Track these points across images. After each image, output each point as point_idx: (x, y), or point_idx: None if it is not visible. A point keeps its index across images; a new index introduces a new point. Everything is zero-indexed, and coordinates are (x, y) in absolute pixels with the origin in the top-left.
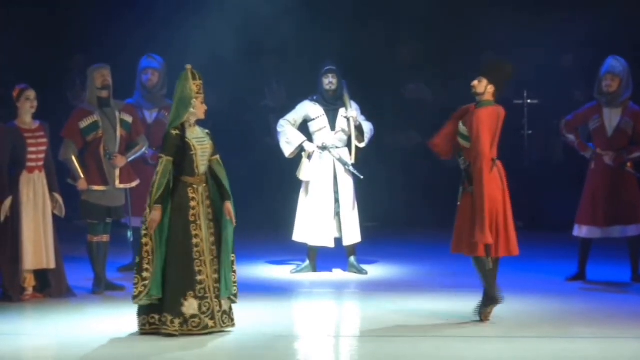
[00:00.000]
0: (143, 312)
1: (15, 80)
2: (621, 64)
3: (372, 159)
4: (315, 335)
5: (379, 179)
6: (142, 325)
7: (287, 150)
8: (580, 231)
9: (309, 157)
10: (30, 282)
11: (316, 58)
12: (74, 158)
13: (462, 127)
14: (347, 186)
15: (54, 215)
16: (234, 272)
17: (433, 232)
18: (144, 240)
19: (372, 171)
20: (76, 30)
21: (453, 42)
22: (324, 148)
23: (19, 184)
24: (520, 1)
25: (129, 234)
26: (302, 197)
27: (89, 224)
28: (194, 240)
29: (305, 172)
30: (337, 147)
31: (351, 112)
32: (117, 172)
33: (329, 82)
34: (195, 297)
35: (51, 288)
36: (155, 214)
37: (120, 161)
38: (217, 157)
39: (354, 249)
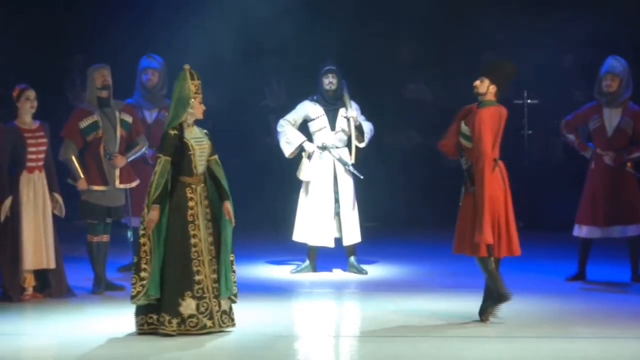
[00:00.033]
0: (141, 312)
1: (15, 80)
2: (621, 64)
3: (372, 159)
4: (315, 335)
5: (379, 179)
6: (140, 325)
7: (287, 150)
8: (580, 231)
9: (309, 157)
10: (30, 282)
11: (316, 58)
12: (74, 158)
13: (464, 127)
14: (347, 186)
15: (54, 215)
16: (234, 271)
17: (433, 232)
18: (142, 240)
19: (372, 171)
20: (76, 30)
21: (453, 42)
22: (324, 148)
23: (19, 184)
24: (520, 1)
25: (129, 234)
26: (302, 197)
27: (89, 224)
28: (192, 240)
29: (305, 172)
30: (337, 147)
31: (351, 112)
32: (117, 172)
33: (329, 82)
34: (193, 297)
35: (51, 288)
36: (153, 214)
37: (120, 161)
38: (216, 157)
39: (354, 249)
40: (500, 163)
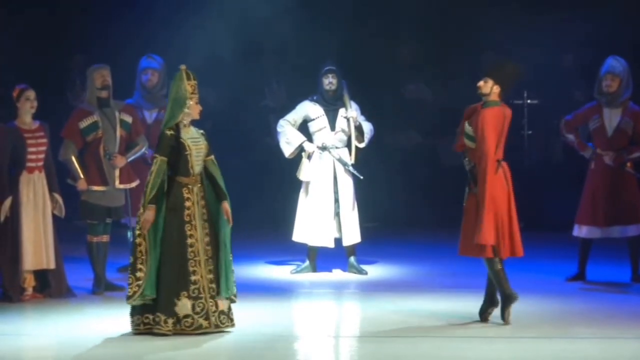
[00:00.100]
0: (137, 312)
1: (15, 80)
2: (621, 64)
3: (372, 159)
4: (315, 336)
5: (379, 179)
6: (136, 325)
7: (287, 150)
8: (580, 231)
9: (309, 157)
10: (30, 282)
11: (316, 58)
12: (73, 158)
13: (467, 128)
14: (347, 186)
15: (54, 216)
16: (232, 271)
17: (433, 232)
18: (138, 240)
19: (372, 171)
20: (76, 30)
21: (453, 42)
22: (323, 148)
23: (18, 184)
24: (520, 1)
25: (129, 234)
26: (302, 197)
27: (89, 224)
28: (189, 241)
29: (305, 172)
30: (337, 147)
31: (351, 112)
32: (117, 172)
33: (329, 82)
34: (189, 297)
35: (51, 288)
36: (148, 214)
37: (120, 161)
38: (212, 157)
39: (353, 249)
40: (504, 164)
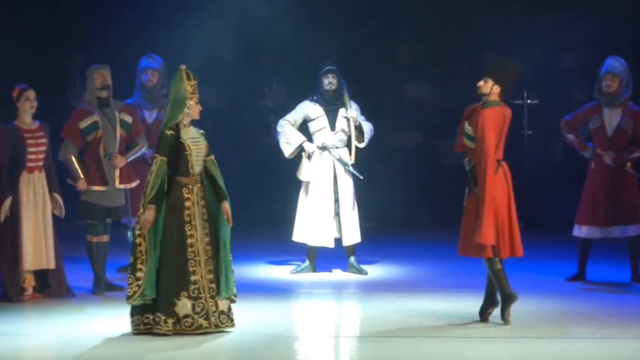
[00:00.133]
0: (137, 312)
1: (15, 80)
2: (621, 64)
3: (372, 159)
4: (315, 336)
5: (379, 179)
6: (136, 325)
7: (287, 150)
8: (580, 231)
9: (309, 157)
10: (30, 282)
11: (316, 58)
12: (73, 158)
13: (467, 128)
14: (347, 186)
15: (54, 216)
16: (232, 271)
17: (433, 232)
18: (138, 240)
19: (372, 171)
20: (76, 30)
21: (453, 42)
22: (323, 148)
23: (18, 184)
24: (520, 1)
25: (129, 234)
26: (302, 197)
27: (89, 224)
28: (189, 241)
29: (305, 172)
30: (337, 147)
31: (351, 112)
32: (117, 172)
33: (329, 82)
34: (189, 297)
35: (51, 288)
36: (148, 214)
37: (120, 161)
38: (212, 157)
39: (353, 249)
40: (504, 164)
